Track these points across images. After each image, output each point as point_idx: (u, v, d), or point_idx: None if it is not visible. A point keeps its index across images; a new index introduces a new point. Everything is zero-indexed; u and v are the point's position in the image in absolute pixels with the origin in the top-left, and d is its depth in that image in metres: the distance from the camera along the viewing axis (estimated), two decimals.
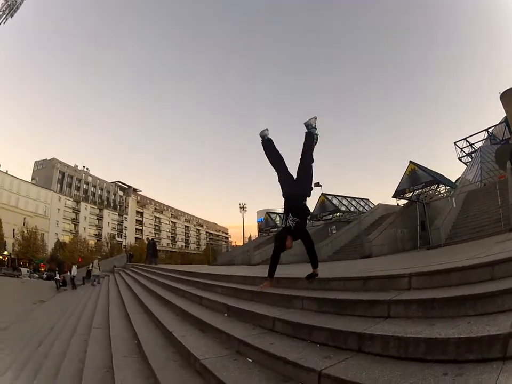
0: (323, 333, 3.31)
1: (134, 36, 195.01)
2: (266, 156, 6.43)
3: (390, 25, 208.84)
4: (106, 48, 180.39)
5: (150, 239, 37.74)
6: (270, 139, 6.46)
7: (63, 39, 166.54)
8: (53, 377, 5.20)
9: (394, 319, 3.18)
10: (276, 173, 6.27)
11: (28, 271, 57.78)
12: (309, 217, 6.68)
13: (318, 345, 3.25)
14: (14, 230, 69.31)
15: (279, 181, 6.18)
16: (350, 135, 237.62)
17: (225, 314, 5.52)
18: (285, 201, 6.02)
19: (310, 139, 6.20)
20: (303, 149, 6.18)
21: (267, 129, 6.52)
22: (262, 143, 6.49)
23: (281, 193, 6.09)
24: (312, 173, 6.09)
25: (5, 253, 65.20)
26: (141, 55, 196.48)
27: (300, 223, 5.59)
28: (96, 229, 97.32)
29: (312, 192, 6.13)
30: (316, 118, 6.38)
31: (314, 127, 6.30)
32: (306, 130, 6.34)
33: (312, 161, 6.11)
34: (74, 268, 29.48)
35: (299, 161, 6.16)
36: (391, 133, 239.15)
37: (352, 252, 21.96)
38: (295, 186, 5.95)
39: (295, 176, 6.11)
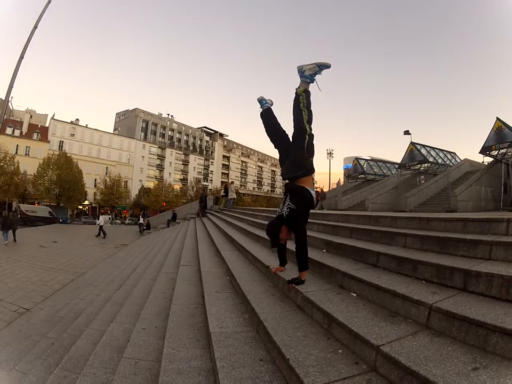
0: (428, 269, 3.36)
1: None
2: (265, 129, 4.92)
3: None
4: None
5: (202, 192, 38.31)
6: (268, 109, 4.90)
7: None
8: (134, 316, 5.20)
9: (495, 261, 3.20)
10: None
11: (109, 218, 61.26)
12: (316, 204, 4.63)
13: (424, 282, 3.30)
14: (95, 180, 73.59)
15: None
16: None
17: (324, 250, 5.56)
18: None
19: (296, 99, 4.45)
20: (293, 114, 4.51)
21: (270, 100, 4.99)
22: (260, 113, 4.96)
23: None
24: (306, 146, 4.33)
25: (85, 202, 69.81)
26: None
27: (296, 211, 4.21)
28: (182, 173, 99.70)
29: (308, 170, 4.44)
30: (319, 67, 4.42)
31: (309, 77, 4.45)
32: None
33: (305, 131, 4.34)
34: (101, 217, 32.05)
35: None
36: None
37: (436, 205, 21.53)
38: (287, 167, 4.53)
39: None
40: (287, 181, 4.61)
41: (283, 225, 4.27)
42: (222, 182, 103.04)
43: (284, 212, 4.29)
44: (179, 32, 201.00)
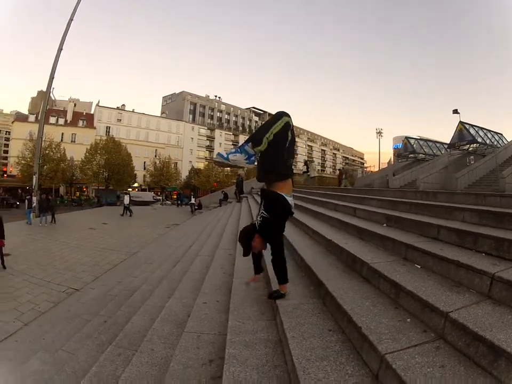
0: (487, 242, 3.49)
1: None
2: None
3: None
4: None
5: (238, 175, 38.18)
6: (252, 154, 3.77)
7: None
8: (193, 292, 5.27)
9: None
10: None
11: (160, 199, 62.81)
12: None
13: (483, 254, 3.43)
14: (144, 162, 75.26)
15: None
16: None
17: (384, 225, 5.71)
18: None
19: (266, 149, 3.57)
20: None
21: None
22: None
23: None
24: (286, 147, 3.69)
25: (135, 184, 71.29)
26: None
27: (269, 220, 3.74)
28: None
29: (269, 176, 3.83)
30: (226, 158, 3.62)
31: (226, 158, 3.68)
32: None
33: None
34: (126, 197, 32.36)
35: None
36: None
37: (485, 187, 21.00)
38: (260, 170, 3.88)
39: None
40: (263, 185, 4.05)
41: (256, 234, 3.85)
42: None
43: (256, 222, 3.87)
44: (221, 13, 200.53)
